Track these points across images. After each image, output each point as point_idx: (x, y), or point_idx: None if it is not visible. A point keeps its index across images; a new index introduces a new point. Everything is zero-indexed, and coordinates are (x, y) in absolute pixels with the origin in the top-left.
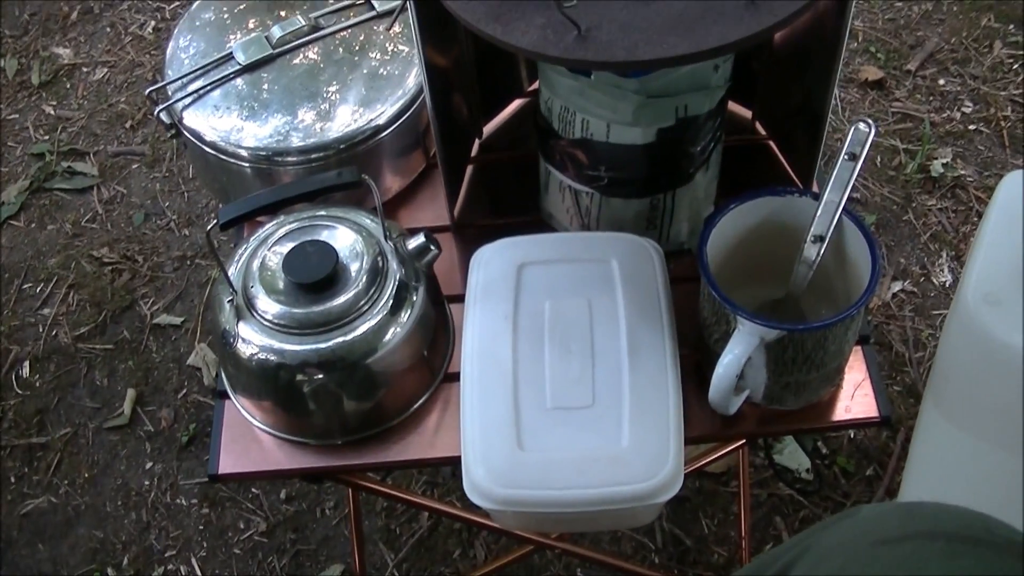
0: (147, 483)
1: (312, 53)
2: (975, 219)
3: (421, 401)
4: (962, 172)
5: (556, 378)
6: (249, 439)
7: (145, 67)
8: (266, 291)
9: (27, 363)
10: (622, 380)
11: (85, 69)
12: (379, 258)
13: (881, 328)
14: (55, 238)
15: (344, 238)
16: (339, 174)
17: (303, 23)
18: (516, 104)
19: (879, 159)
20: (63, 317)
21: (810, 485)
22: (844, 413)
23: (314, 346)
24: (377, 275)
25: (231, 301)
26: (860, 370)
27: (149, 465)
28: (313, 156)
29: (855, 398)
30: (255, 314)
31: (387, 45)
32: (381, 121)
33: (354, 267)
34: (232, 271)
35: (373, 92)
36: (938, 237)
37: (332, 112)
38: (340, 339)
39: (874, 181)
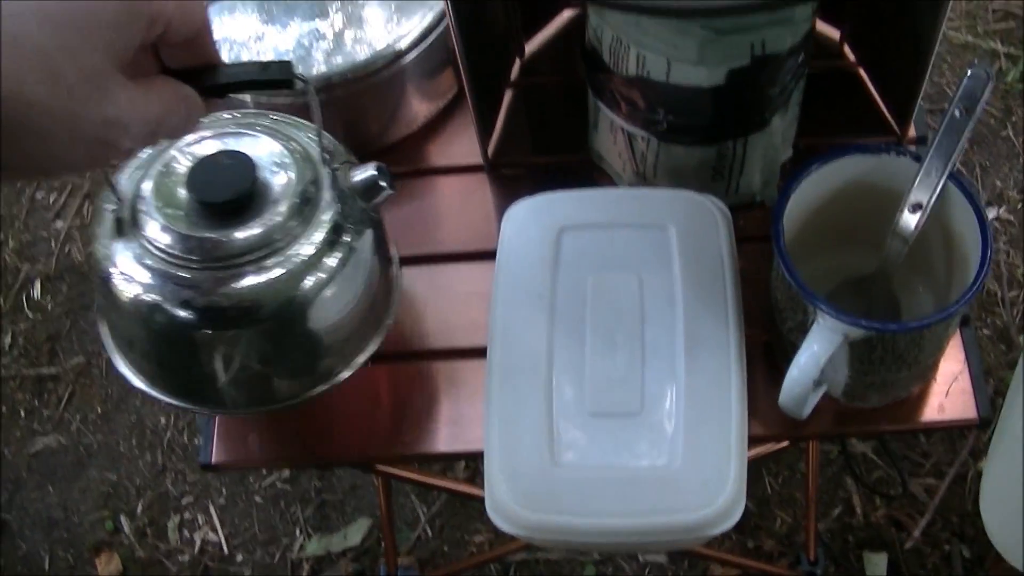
0: (163, 420)
1: None
2: None
3: (343, 376)
4: None
5: (598, 377)
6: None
7: None
8: (159, 208)
9: (38, 283)
10: (677, 382)
11: None
12: (312, 186)
13: None
14: None
15: (271, 155)
16: (265, 67)
17: None
18: (567, 15)
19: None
20: (77, 231)
21: (885, 443)
22: (936, 413)
23: (209, 285)
24: (305, 205)
25: (114, 211)
26: (957, 359)
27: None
28: (323, 92)
29: (949, 394)
30: (140, 235)
31: None
32: (403, 45)
33: (277, 191)
34: (123, 177)
35: (391, 12)
36: None
37: (344, 34)
38: (240, 279)
39: None
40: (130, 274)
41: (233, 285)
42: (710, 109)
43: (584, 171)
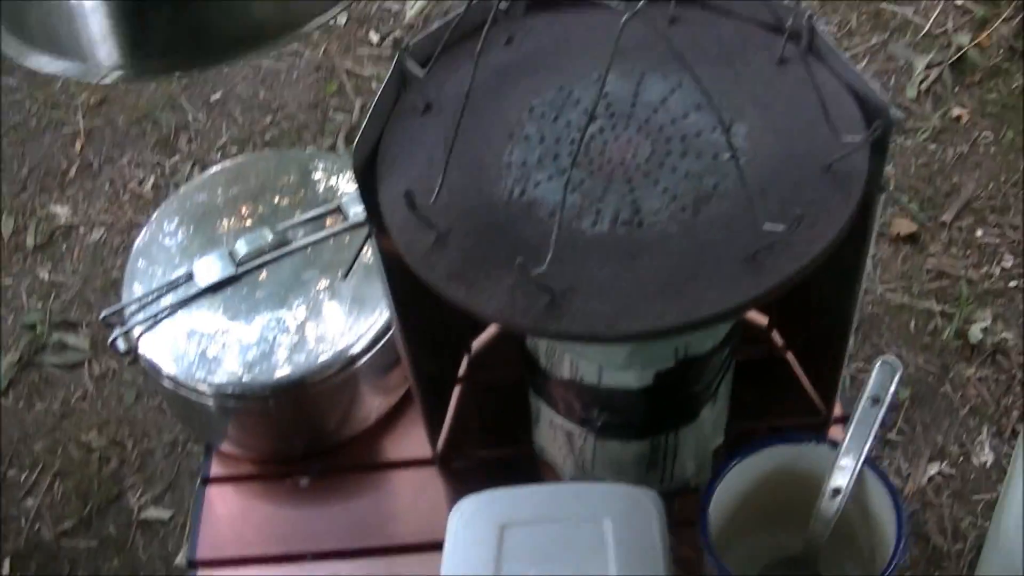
0: None
1: (280, 271)
2: (1018, 389)
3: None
4: (1004, 336)
5: None
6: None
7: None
8: None
9: (7, 562)
10: None
11: (82, 229)
12: None
13: (916, 517)
14: (43, 419)
15: None
16: None
17: (270, 237)
18: None
19: (913, 324)
20: (47, 510)
21: None
22: None
23: None
24: None
25: None
26: None
27: None
28: (282, 395)
29: None
30: None
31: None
32: (356, 350)
33: None
34: None
35: (347, 316)
36: (978, 411)
37: (303, 342)
38: None
39: (908, 350)
40: None
41: None
42: (641, 407)
43: (530, 463)
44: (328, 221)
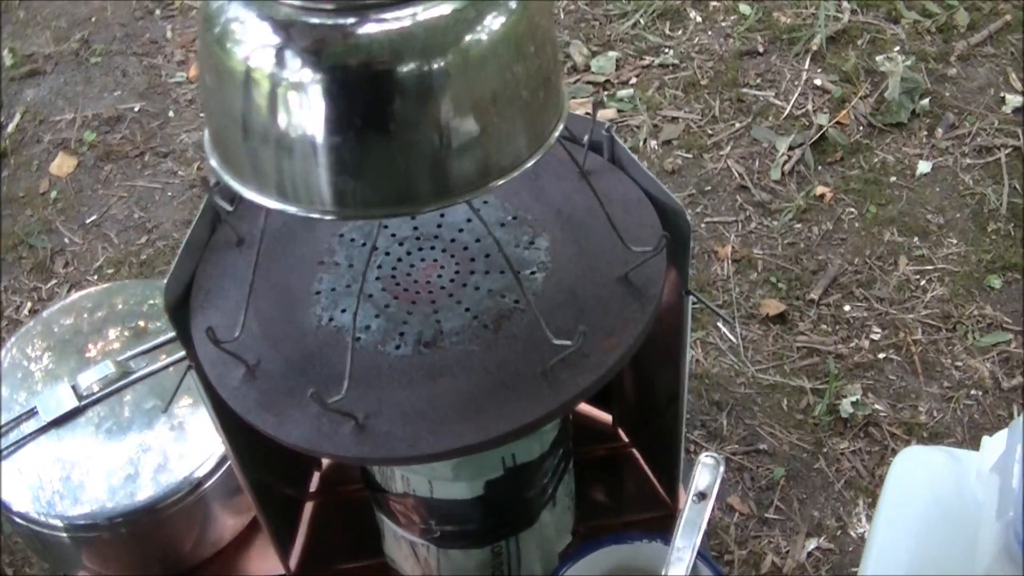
0: None
1: (124, 401)
2: (891, 458)
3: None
4: (875, 408)
5: None
6: None
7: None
8: None
9: None
10: None
11: None
12: None
13: None
14: None
15: None
16: None
17: (112, 369)
18: None
19: (785, 403)
20: None
21: None
22: None
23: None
24: None
25: None
26: None
27: None
28: (130, 521)
29: None
30: None
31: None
32: (201, 473)
33: None
34: None
35: (190, 442)
36: (853, 483)
37: (148, 471)
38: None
39: (781, 428)
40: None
41: (364, 31)
42: (476, 516)
43: (386, 574)
44: (163, 355)
